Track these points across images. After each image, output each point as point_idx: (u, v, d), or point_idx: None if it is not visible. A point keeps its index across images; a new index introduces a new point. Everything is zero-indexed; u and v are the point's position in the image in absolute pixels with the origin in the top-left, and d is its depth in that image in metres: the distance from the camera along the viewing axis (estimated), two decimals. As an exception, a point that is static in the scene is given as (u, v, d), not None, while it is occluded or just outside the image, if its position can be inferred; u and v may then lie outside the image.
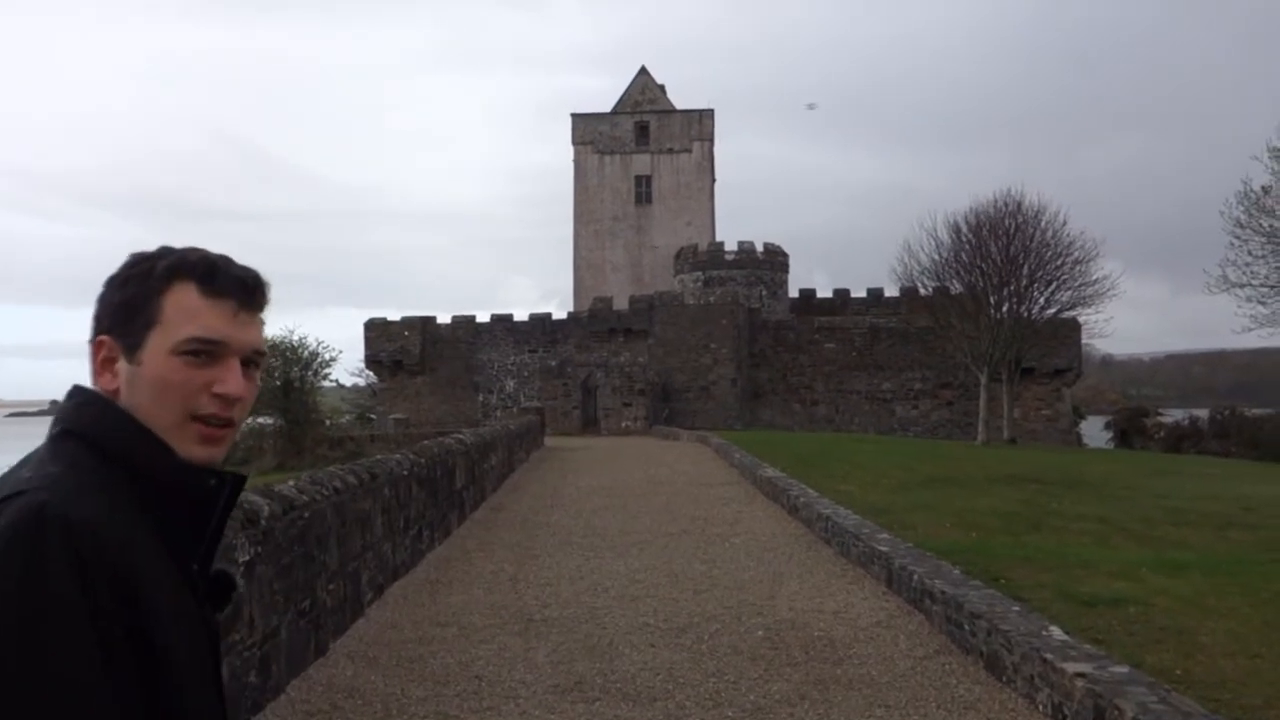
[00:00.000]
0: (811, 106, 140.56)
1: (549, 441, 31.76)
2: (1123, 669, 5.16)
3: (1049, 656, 5.39)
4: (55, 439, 1.36)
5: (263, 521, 5.75)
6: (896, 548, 9.16)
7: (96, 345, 1.40)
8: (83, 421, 1.37)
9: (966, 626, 6.64)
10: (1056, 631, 5.97)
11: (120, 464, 1.34)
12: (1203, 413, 46.33)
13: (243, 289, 1.42)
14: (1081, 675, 5.03)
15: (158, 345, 1.37)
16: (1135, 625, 6.74)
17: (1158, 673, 5.47)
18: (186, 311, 1.38)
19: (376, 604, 8.26)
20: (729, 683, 6.13)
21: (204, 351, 1.38)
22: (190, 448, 1.38)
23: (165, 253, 1.43)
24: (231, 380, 1.40)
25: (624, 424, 41.82)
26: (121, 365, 1.38)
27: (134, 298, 1.39)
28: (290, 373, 34.47)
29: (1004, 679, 5.95)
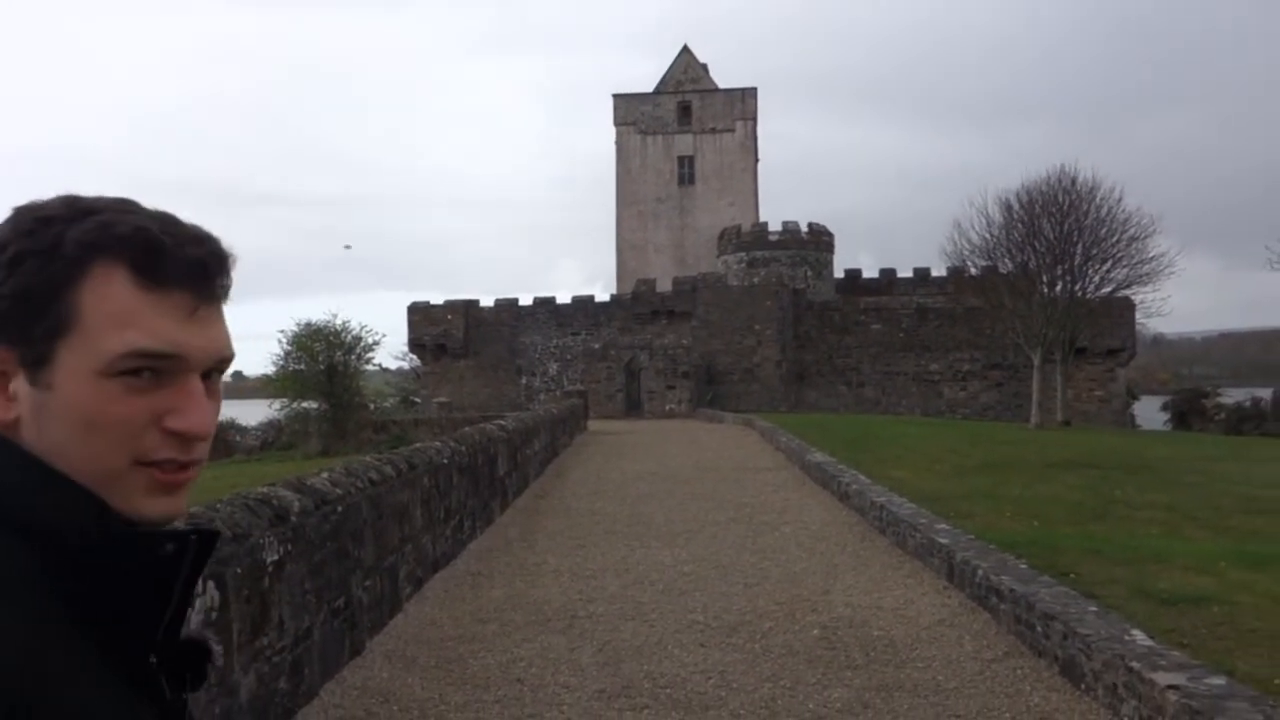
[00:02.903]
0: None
1: (592, 425, 31.50)
2: (1219, 680, 4.72)
3: (1135, 665, 4.96)
4: None
5: (293, 518, 5.46)
6: (957, 539, 8.73)
7: None
8: None
9: (1039, 628, 6.21)
10: (1140, 635, 5.53)
11: (21, 530, 0.90)
12: (1265, 393, 45.03)
13: (203, 274, 0.97)
14: (1174, 688, 4.60)
15: (76, 363, 0.92)
16: (1221, 626, 6.26)
17: (1254, 682, 5.02)
18: (118, 312, 0.93)
19: (415, 599, 7.99)
20: (785, 688, 5.76)
21: (150, 369, 0.94)
22: (139, 502, 0.95)
23: (74, 212, 0.95)
24: (193, 410, 0.96)
25: (668, 407, 41.49)
26: (21, 386, 0.93)
27: (32, 287, 0.92)
28: (334, 357, 34.46)
29: (1082, 686, 5.53)
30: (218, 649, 4.64)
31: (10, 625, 0.85)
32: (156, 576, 0.95)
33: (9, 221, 0.95)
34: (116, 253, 0.93)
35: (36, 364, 0.93)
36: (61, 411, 0.93)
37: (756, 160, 61.33)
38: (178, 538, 0.96)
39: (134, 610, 0.95)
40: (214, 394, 1.00)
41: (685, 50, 62.71)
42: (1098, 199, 34.86)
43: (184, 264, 0.96)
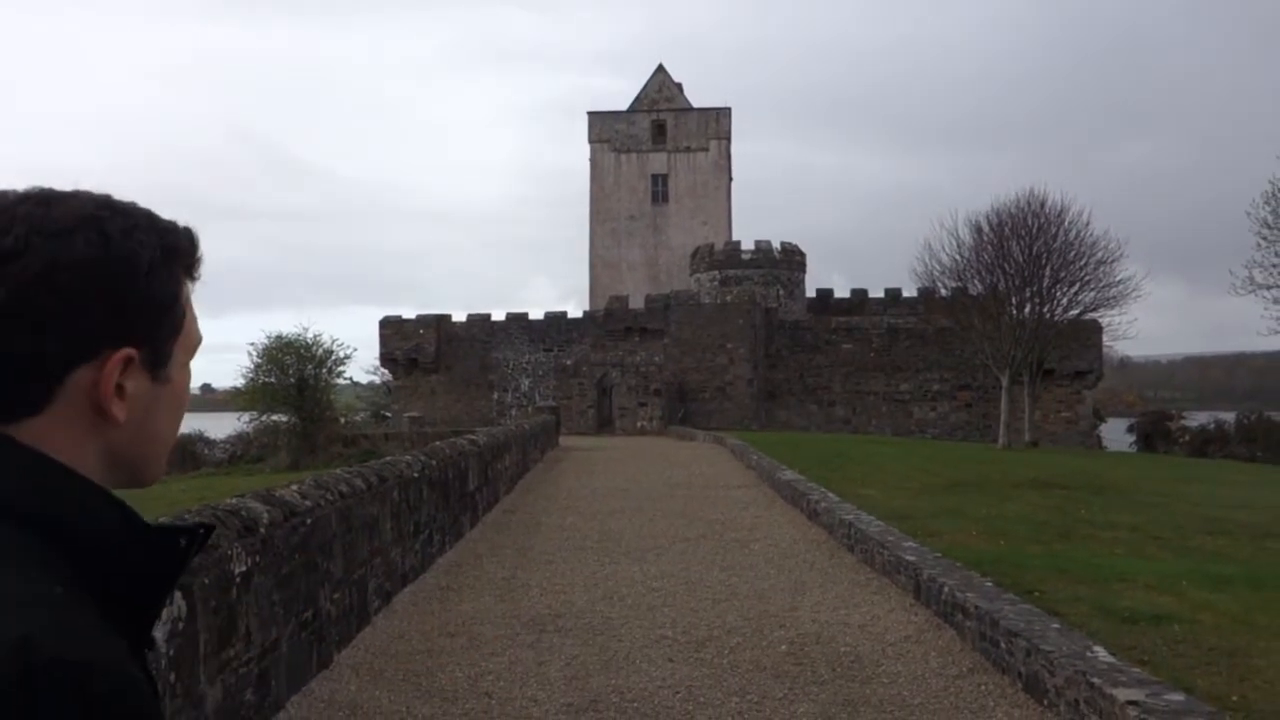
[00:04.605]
0: None
1: (564, 441, 31.47)
2: (1178, 696, 4.80)
3: (1096, 681, 5.04)
4: None
5: (262, 530, 5.45)
6: (924, 557, 8.81)
7: (121, 360, 0.98)
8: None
9: (1003, 644, 6.28)
10: (1101, 652, 5.60)
11: (49, 539, 0.93)
12: (1228, 416, 45.68)
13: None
14: (1134, 704, 4.68)
15: (183, 356, 1.07)
16: (1181, 644, 6.37)
17: (1212, 699, 5.12)
18: (188, 306, 1.08)
19: (384, 612, 7.96)
20: (752, 703, 5.80)
21: None
22: (162, 467, 1.10)
23: (134, 220, 1.03)
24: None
25: (639, 424, 41.52)
26: (139, 385, 1.01)
27: (164, 294, 1.03)
28: (305, 370, 34.30)
29: (1045, 703, 5.60)
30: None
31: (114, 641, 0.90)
32: (169, 567, 1.04)
33: (83, 222, 0.97)
34: (189, 255, 1.08)
35: (159, 362, 1.04)
36: (173, 402, 1.07)
37: (730, 179, 61.69)
38: (189, 532, 1.06)
39: (152, 598, 1.03)
40: None
41: (660, 69, 63.03)
42: (1066, 222, 35.37)
43: (200, 260, 1.11)
